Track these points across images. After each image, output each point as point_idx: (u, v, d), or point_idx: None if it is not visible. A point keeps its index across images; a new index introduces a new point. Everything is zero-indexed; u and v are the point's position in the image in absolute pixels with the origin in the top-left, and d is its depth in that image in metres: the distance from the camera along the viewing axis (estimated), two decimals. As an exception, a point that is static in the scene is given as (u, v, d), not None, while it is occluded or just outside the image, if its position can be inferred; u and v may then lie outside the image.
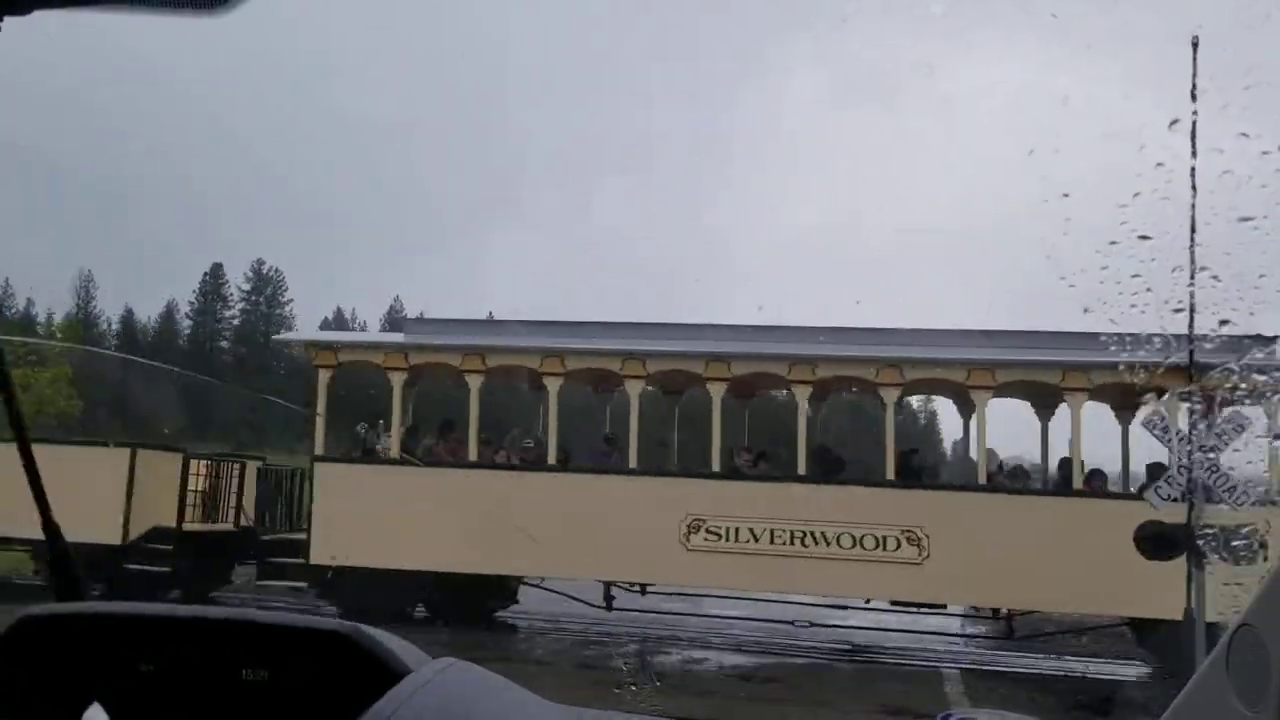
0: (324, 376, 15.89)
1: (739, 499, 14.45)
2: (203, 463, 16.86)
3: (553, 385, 15.34)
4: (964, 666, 13.78)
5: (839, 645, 14.97)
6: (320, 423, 15.82)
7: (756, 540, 14.05)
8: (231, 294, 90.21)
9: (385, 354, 16.01)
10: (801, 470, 14.55)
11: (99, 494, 15.10)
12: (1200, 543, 9.03)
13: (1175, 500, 10.01)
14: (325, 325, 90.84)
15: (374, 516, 14.68)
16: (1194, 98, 7.08)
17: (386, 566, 14.53)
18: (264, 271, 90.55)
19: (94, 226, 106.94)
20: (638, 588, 14.87)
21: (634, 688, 10.68)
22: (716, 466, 14.93)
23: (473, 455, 15.48)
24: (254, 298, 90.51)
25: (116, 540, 15.27)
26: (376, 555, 14.62)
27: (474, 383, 15.53)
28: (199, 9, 1.03)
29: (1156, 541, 9.85)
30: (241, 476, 17.29)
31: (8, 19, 1.03)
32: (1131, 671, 14.08)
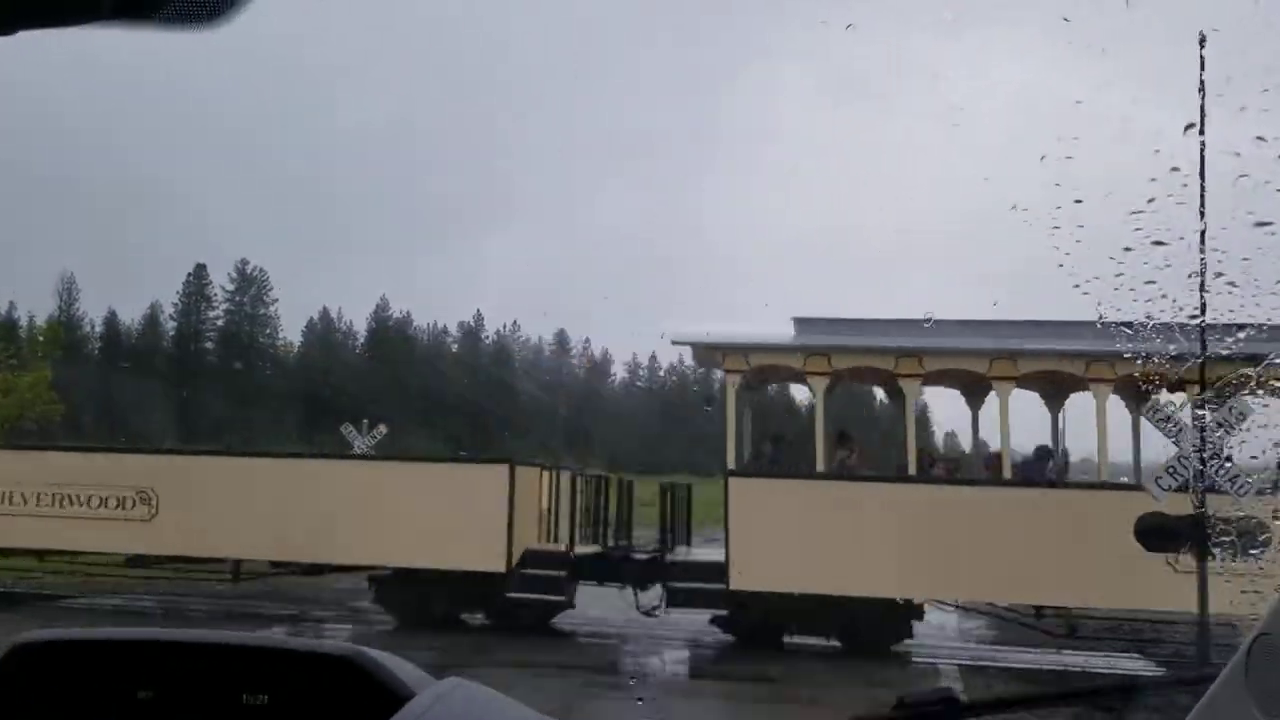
0: (733, 382, 14.42)
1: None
2: (546, 474, 15.76)
3: (1004, 390, 14.11)
4: (961, 663, 13.64)
5: (832, 642, 14.85)
6: (733, 433, 14.35)
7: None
8: (215, 294, 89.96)
9: (806, 357, 14.47)
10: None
11: (477, 515, 14.10)
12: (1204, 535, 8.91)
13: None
14: (311, 325, 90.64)
15: (793, 536, 13.33)
16: (1202, 94, 6.96)
17: (803, 591, 13.33)
18: (248, 271, 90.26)
19: (76, 229, 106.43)
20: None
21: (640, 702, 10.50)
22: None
23: (913, 469, 14.43)
24: (238, 298, 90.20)
25: (500, 568, 14.04)
26: (794, 579, 13.27)
27: (910, 388, 14.43)
28: (189, 25, 1.03)
29: (1158, 534, 9.73)
30: (622, 492, 16.07)
31: None
32: (1132, 666, 13.95)
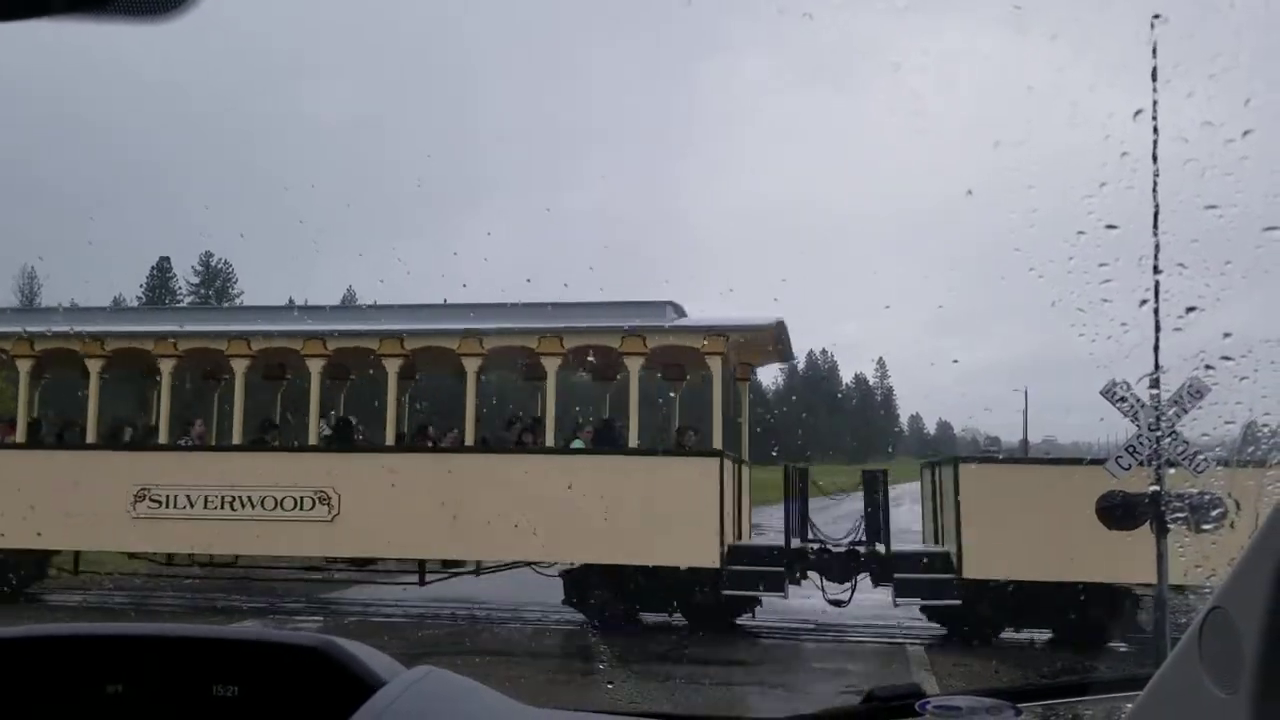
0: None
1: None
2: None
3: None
4: (927, 642, 13.73)
5: (804, 624, 14.91)
6: None
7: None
8: (180, 287, 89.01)
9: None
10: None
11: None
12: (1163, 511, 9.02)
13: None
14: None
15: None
16: (1154, 78, 7.00)
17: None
18: (212, 264, 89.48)
19: (38, 222, 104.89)
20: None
21: (610, 685, 10.50)
22: None
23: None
24: (203, 291, 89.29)
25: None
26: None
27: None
28: (141, 18, 1.02)
29: (1119, 511, 9.83)
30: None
31: None
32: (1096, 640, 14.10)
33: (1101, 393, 11.13)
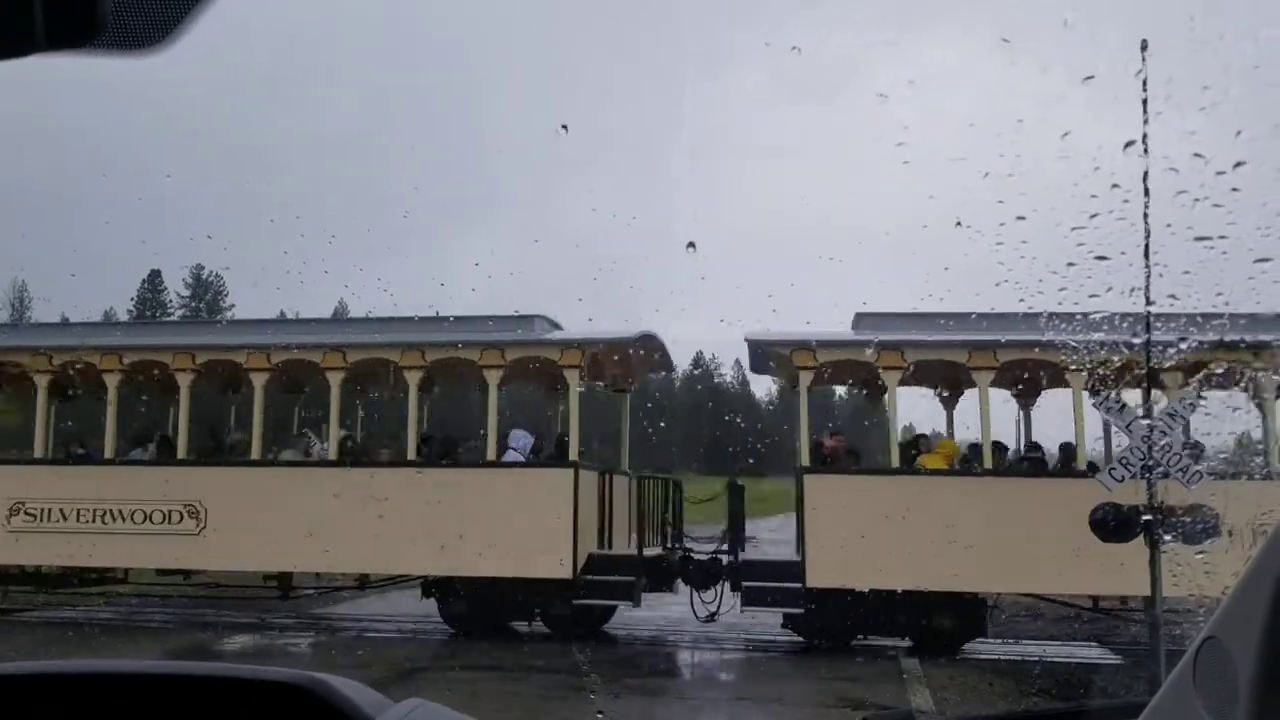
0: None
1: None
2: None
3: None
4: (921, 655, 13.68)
5: (795, 636, 14.86)
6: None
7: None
8: (170, 300, 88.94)
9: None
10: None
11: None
12: (1156, 524, 9.00)
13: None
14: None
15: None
16: (1145, 110, 7.01)
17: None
18: (203, 277, 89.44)
19: (27, 236, 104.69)
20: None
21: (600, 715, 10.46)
22: None
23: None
24: (194, 304, 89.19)
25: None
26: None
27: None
28: (127, 52, 1.01)
29: (1111, 524, 9.80)
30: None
31: None
32: (1090, 654, 14.11)
33: (1095, 405, 11.12)
